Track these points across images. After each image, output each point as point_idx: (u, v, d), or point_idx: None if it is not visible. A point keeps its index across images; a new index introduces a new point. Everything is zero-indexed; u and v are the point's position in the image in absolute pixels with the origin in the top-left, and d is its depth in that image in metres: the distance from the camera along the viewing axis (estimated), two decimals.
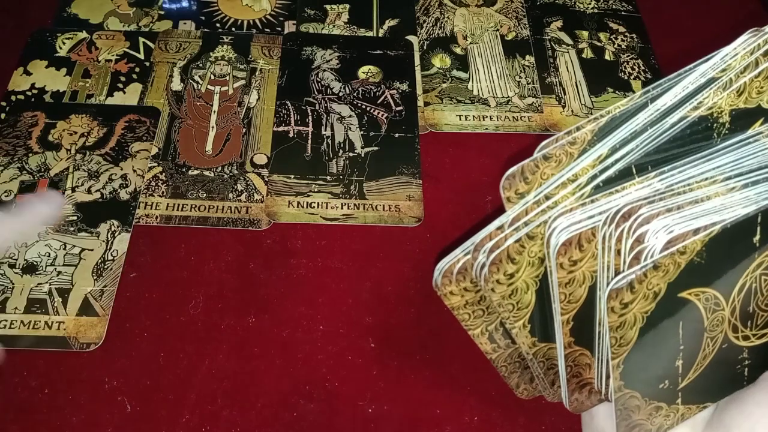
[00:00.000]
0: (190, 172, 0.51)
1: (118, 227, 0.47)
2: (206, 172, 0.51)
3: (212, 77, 0.56)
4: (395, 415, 0.42)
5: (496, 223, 0.31)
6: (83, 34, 0.59)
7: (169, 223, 0.49)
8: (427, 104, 0.56)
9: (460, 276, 0.32)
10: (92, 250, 0.47)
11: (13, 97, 0.54)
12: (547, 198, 0.31)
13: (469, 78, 0.58)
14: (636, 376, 0.30)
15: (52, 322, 0.44)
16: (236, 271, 0.47)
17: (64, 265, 0.46)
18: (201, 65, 0.57)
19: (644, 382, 0.31)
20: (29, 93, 0.55)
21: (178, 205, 0.49)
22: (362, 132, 0.54)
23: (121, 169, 0.50)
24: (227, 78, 0.56)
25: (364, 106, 0.55)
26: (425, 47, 0.60)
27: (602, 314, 0.31)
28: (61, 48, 0.58)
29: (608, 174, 0.30)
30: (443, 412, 0.43)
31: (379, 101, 0.56)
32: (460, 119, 0.55)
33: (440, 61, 0.59)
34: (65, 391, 0.41)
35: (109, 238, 0.47)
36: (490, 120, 0.55)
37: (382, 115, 0.55)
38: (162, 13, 0.61)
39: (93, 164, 0.50)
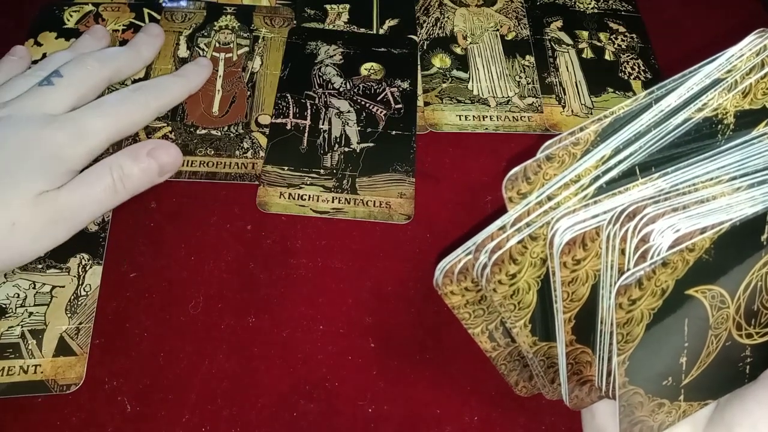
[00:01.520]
0: (198, 131, 0.53)
1: (88, 260, 0.46)
2: (213, 131, 0.53)
3: (217, 45, 0.58)
4: (395, 415, 0.42)
5: (498, 223, 0.31)
6: (89, 7, 0.60)
7: (179, 178, 0.50)
8: (427, 104, 0.56)
9: (461, 276, 0.32)
10: (63, 286, 0.45)
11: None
12: (549, 198, 0.31)
13: (469, 78, 0.58)
14: (640, 372, 0.30)
15: (28, 366, 0.42)
16: (236, 271, 0.47)
17: (35, 305, 0.44)
18: (206, 34, 0.59)
19: (648, 379, 0.31)
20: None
21: (188, 161, 0.51)
22: (359, 128, 0.54)
23: None
24: (231, 45, 0.58)
25: (363, 102, 0.56)
26: (425, 47, 0.60)
27: (604, 312, 0.31)
28: (68, 20, 0.59)
29: (611, 175, 0.31)
30: (443, 412, 0.43)
31: (379, 98, 0.56)
32: (460, 119, 0.55)
33: (440, 61, 0.59)
34: (65, 392, 0.41)
35: (81, 273, 0.45)
36: (490, 120, 0.55)
37: (381, 111, 0.55)
38: None
39: None
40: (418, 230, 0.49)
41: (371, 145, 0.53)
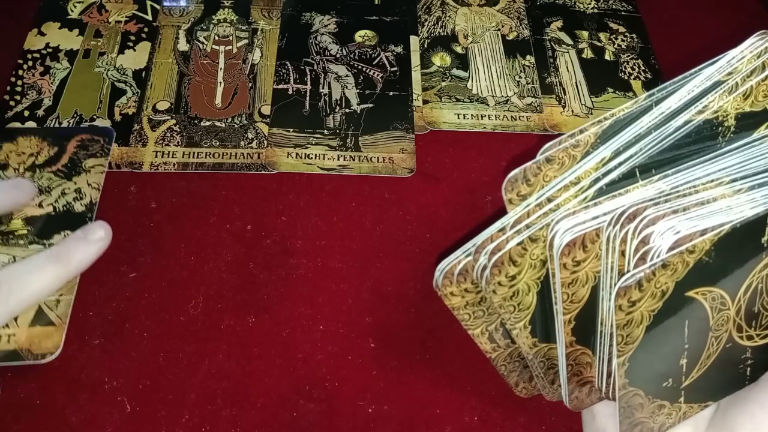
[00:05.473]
0: (202, 123, 0.54)
1: None
2: (217, 123, 0.54)
3: (216, 38, 0.60)
4: (395, 415, 0.42)
5: (498, 224, 0.31)
6: None
7: (186, 170, 0.51)
8: (425, 102, 0.56)
9: (461, 277, 0.32)
10: None
11: (29, 56, 0.57)
12: (549, 200, 0.31)
13: (468, 77, 0.58)
14: (640, 374, 0.30)
15: (1, 335, 0.42)
16: (236, 271, 0.47)
17: None
18: (205, 27, 0.60)
19: (648, 381, 0.31)
20: (44, 51, 0.57)
21: (194, 152, 0.52)
22: (358, 90, 0.57)
23: (75, 183, 0.49)
24: (230, 38, 0.60)
25: (360, 67, 0.58)
26: (426, 45, 0.60)
27: (604, 314, 0.31)
28: (72, 11, 0.60)
29: (611, 177, 0.30)
30: (443, 412, 0.43)
31: (374, 62, 0.59)
32: (458, 117, 0.55)
33: (440, 59, 0.59)
34: (65, 392, 0.41)
35: None
36: (488, 119, 0.55)
37: (378, 74, 0.58)
38: None
39: (44, 180, 0.48)
40: (418, 230, 0.49)
41: (371, 105, 0.56)
